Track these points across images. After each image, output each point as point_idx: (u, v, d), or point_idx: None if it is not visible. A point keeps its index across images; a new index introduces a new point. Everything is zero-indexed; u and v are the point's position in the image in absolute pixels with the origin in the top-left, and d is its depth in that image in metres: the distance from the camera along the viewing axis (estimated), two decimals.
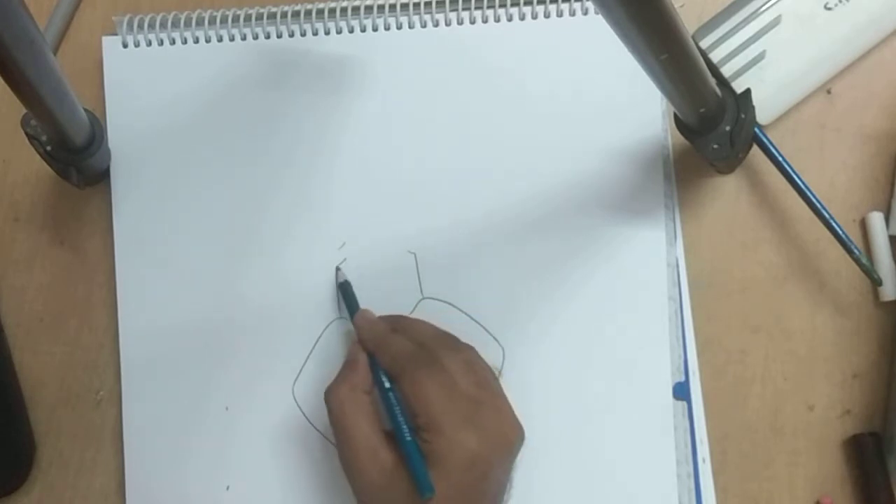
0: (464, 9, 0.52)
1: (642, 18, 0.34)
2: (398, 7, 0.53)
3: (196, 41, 0.53)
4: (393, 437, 0.43)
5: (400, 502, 0.41)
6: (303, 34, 0.53)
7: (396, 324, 0.47)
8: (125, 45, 0.53)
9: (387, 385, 0.44)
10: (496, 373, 0.46)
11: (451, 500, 0.40)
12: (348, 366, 0.46)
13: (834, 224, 0.48)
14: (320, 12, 0.53)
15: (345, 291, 0.49)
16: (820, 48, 0.49)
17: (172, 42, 0.53)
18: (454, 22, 0.52)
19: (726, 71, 0.49)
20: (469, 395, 0.42)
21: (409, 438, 0.42)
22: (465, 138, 0.51)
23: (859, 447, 0.48)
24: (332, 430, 0.44)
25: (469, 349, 0.45)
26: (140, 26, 0.53)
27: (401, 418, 0.42)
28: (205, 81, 0.53)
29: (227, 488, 0.50)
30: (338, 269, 0.50)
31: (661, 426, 0.48)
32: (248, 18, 0.53)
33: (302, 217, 0.51)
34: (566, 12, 0.52)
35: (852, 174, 0.50)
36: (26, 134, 0.48)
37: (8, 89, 0.40)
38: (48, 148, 0.48)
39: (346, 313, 0.49)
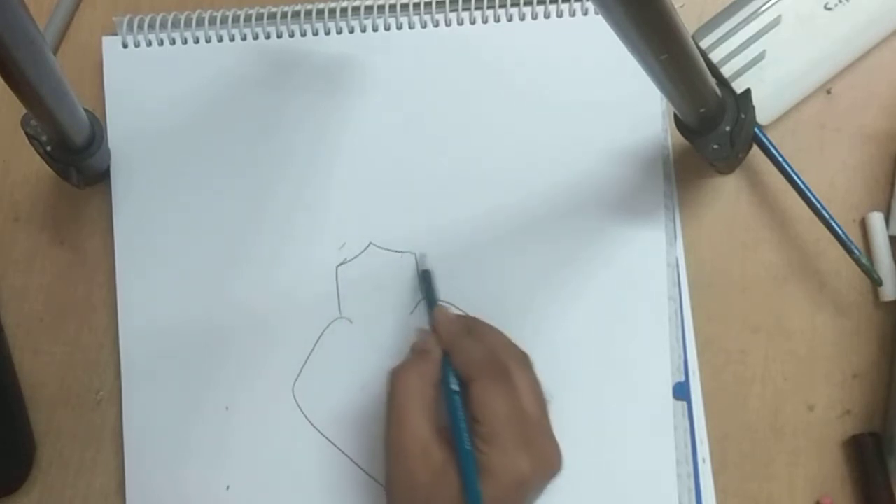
0: (464, 9, 0.52)
1: (642, 18, 0.34)
2: (398, 7, 0.53)
3: (196, 41, 0.53)
4: (444, 435, 0.42)
5: (437, 503, 0.41)
6: (303, 34, 0.53)
7: (472, 326, 0.46)
8: (125, 46, 0.53)
9: (454, 388, 0.44)
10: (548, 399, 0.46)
11: None
12: (421, 355, 0.45)
13: (834, 224, 0.48)
14: (320, 12, 0.53)
15: (425, 281, 0.49)
16: (820, 48, 0.49)
17: (172, 42, 0.53)
18: (454, 22, 0.52)
19: (726, 71, 0.49)
20: (531, 417, 0.42)
21: (468, 447, 0.41)
22: (464, 139, 0.51)
23: (859, 447, 0.48)
24: (388, 411, 0.43)
25: (534, 372, 0.44)
26: (140, 26, 0.53)
27: (463, 424, 0.42)
28: (205, 81, 0.53)
29: (227, 488, 0.50)
30: (423, 255, 0.50)
31: (661, 426, 0.48)
32: (248, 18, 0.53)
33: (302, 217, 0.51)
34: (566, 12, 0.52)
35: (852, 174, 0.50)
36: (26, 134, 0.48)
37: (8, 89, 0.40)
38: (48, 148, 0.48)
39: (346, 312, 0.49)
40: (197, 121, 0.53)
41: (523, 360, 0.44)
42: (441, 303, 0.48)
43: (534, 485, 0.42)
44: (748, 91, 0.45)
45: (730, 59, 0.49)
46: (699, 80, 0.41)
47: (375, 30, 0.53)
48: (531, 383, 0.43)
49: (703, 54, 0.49)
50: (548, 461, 0.43)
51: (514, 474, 0.41)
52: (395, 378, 0.44)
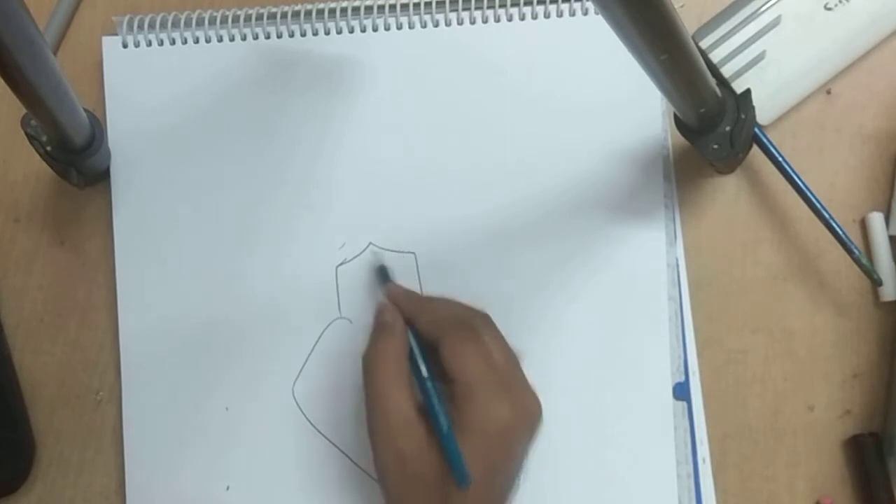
0: (464, 9, 0.52)
1: (642, 19, 0.34)
2: (398, 7, 0.53)
3: (196, 41, 0.53)
4: (422, 411, 0.43)
5: (429, 474, 0.41)
6: (303, 34, 0.53)
7: (426, 299, 0.47)
8: (125, 46, 0.53)
9: (424, 374, 0.44)
10: (521, 355, 0.46)
11: (475, 471, 0.40)
12: (386, 330, 0.45)
13: (834, 224, 0.48)
14: (320, 12, 0.53)
15: (382, 275, 0.49)
16: (820, 48, 0.49)
17: (172, 42, 0.53)
18: (454, 22, 0.52)
19: (726, 71, 0.49)
20: (502, 368, 0.43)
21: (446, 429, 0.41)
22: (464, 138, 0.51)
23: (859, 447, 0.48)
24: (366, 396, 0.44)
25: (498, 329, 0.45)
26: (140, 26, 0.53)
27: (438, 407, 0.42)
28: (205, 82, 0.53)
29: (227, 488, 0.50)
30: (376, 251, 0.50)
31: (661, 426, 0.48)
32: (248, 18, 0.53)
33: (302, 217, 0.51)
34: (566, 12, 0.52)
35: (852, 174, 0.50)
36: (26, 134, 0.48)
37: (8, 89, 0.40)
38: (48, 148, 0.48)
39: (346, 312, 0.49)
40: (197, 121, 0.53)
41: (485, 318, 0.45)
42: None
43: (518, 434, 0.42)
44: (748, 91, 0.45)
45: (730, 59, 0.49)
46: (699, 80, 0.41)
47: (375, 30, 0.53)
48: (497, 338, 0.44)
49: (703, 54, 0.49)
50: (527, 409, 0.43)
51: (497, 423, 0.41)
52: (370, 362, 0.44)
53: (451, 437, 0.41)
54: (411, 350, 0.45)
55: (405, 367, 0.44)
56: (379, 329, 0.45)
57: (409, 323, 0.45)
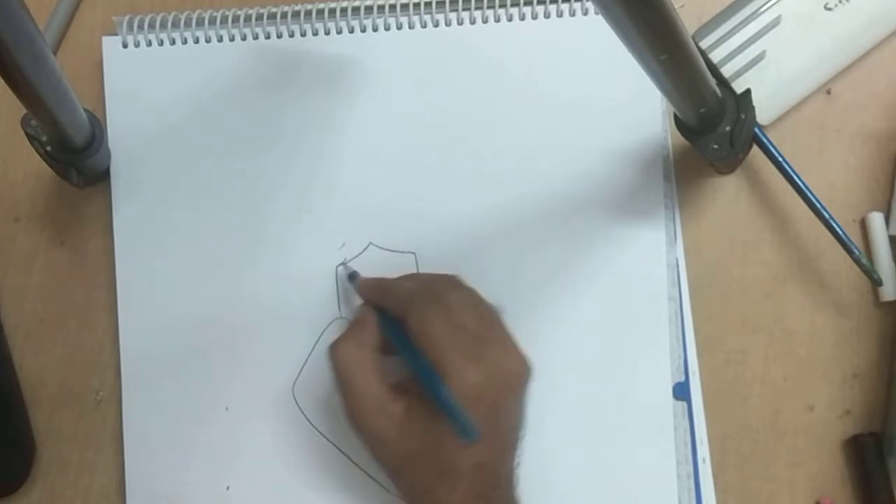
0: (464, 9, 0.52)
1: (642, 19, 0.34)
2: (398, 7, 0.53)
3: (196, 41, 0.53)
4: (399, 390, 0.43)
5: (417, 451, 0.41)
6: (303, 34, 0.53)
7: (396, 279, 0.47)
8: (125, 46, 0.53)
9: (401, 346, 0.43)
10: (500, 310, 0.45)
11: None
12: (356, 324, 0.45)
13: (834, 224, 0.48)
14: (320, 12, 0.53)
15: (354, 280, 0.49)
16: (820, 48, 0.49)
17: (172, 42, 0.53)
18: (454, 22, 0.52)
19: (726, 71, 0.49)
20: (472, 331, 0.42)
21: (441, 391, 0.40)
22: (464, 139, 0.51)
23: (859, 447, 0.48)
24: (337, 386, 0.44)
25: (471, 288, 0.45)
26: (140, 26, 0.53)
27: (427, 373, 0.41)
28: (205, 81, 0.53)
29: (227, 488, 0.50)
30: (346, 265, 0.50)
31: (661, 426, 0.48)
32: (248, 18, 0.53)
33: (302, 217, 0.51)
34: (566, 12, 0.52)
35: (852, 174, 0.50)
36: (26, 134, 0.48)
37: (8, 89, 0.40)
38: (48, 148, 0.48)
39: (346, 312, 0.50)
40: (197, 121, 0.53)
41: (451, 280, 0.45)
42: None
43: (495, 395, 0.41)
44: (748, 91, 0.45)
45: (730, 59, 0.49)
46: (699, 80, 0.41)
47: (375, 30, 0.53)
48: (465, 299, 0.43)
49: (703, 54, 0.49)
50: (505, 370, 0.42)
51: (466, 389, 0.40)
52: (333, 352, 0.44)
53: (447, 397, 0.40)
54: (389, 332, 0.44)
55: (371, 355, 0.44)
56: (350, 323, 0.46)
57: (382, 309, 0.45)
